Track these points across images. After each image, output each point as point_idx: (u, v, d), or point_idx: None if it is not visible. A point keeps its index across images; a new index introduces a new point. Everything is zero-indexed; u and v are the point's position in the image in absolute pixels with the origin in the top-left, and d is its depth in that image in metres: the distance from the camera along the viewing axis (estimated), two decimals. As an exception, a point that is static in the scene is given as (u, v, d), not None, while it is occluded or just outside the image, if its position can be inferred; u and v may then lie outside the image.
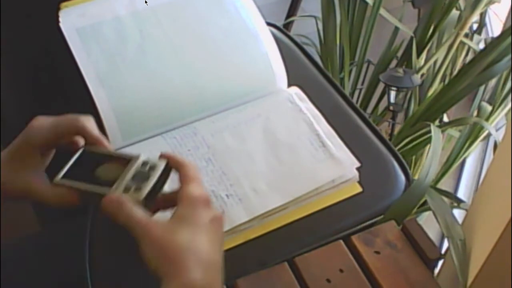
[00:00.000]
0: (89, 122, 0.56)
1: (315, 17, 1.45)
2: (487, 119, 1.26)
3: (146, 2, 0.78)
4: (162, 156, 0.55)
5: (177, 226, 0.49)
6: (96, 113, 0.72)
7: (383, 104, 1.39)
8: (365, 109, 1.42)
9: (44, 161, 0.57)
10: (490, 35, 1.71)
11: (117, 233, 0.68)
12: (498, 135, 1.17)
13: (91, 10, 0.76)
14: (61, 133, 0.56)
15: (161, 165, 0.54)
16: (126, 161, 0.55)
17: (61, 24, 0.73)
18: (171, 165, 0.54)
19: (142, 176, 0.53)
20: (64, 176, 0.55)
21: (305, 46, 0.93)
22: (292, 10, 1.70)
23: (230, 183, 0.70)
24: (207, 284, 0.47)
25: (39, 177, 0.56)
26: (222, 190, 0.70)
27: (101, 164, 0.56)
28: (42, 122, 0.55)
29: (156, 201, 0.54)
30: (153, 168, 0.54)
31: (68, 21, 0.74)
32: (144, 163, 0.54)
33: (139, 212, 0.49)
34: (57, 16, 0.74)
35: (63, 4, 0.76)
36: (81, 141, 0.57)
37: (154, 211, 0.54)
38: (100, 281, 0.64)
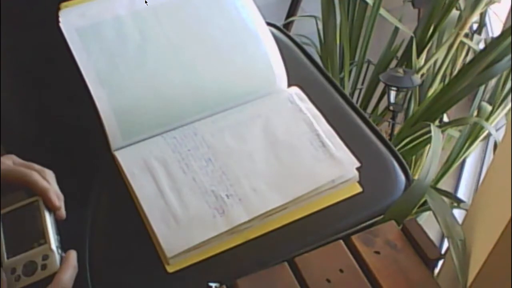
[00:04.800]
0: (36, 176, 0.58)
1: (315, 17, 1.45)
2: (487, 119, 1.26)
3: (146, 2, 0.78)
4: None
5: None
6: (96, 113, 0.72)
7: (383, 104, 1.39)
8: (365, 109, 1.42)
9: None
10: (490, 35, 1.71)
11: (117, 230, 0.69)
12: (498, 135, 1.17)
13: (91, 10, 0.76)
14: (8, 183, 0.58)
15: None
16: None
17: (61, 24, 0.73)
18: None
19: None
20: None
21: (305, 46, 0.93)
22: (292, 10, 1.70)
23: (230, 183, 0.70)
24: None
25: None
26: (222, 190, 0.70)
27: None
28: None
29: None
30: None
31: (68, 21, 0.74)
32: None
33: None
34: (57, 16, 0.74)
35: (63, 4, 0.76)
36: None
37: None
38: (100, 280, 0.64)
